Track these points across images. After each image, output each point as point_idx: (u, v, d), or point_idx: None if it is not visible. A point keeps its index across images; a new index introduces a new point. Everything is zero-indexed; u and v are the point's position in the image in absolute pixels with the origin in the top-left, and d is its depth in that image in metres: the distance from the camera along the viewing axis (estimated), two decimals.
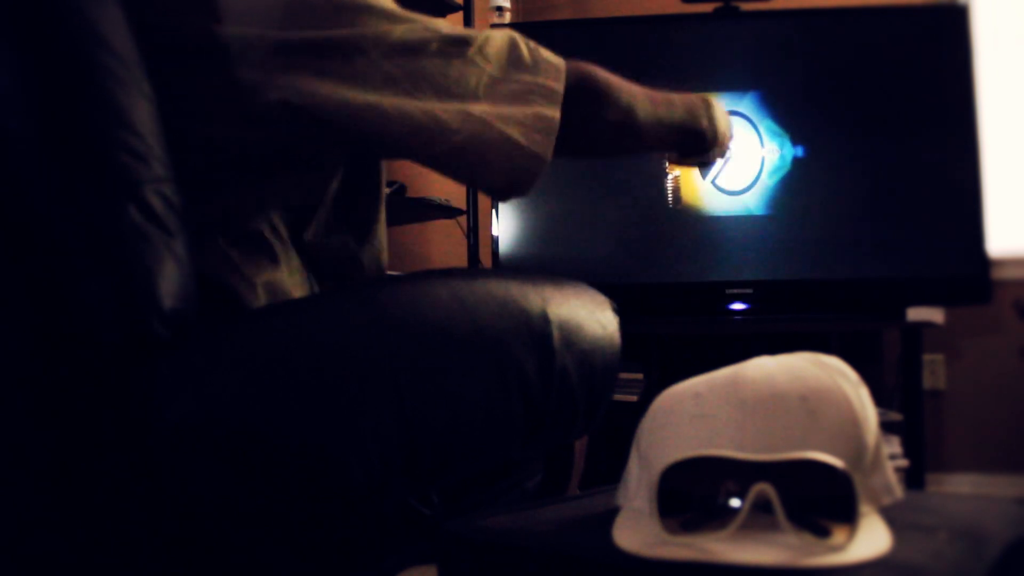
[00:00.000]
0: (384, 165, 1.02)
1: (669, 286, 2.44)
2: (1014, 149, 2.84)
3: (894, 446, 2.37)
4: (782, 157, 2.43)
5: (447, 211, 2.57)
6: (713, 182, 2.44)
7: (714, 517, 0.58)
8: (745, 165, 2.43)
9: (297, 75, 0.80)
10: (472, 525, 0.70)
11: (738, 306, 2.39)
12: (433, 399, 0.75)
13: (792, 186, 2.42)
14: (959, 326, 2.79)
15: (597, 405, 0.89)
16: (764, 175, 2.43)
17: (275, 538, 0.73)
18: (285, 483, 0.70)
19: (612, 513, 0.68)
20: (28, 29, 0.68)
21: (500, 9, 2.78)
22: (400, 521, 0.89)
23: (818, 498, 0.56)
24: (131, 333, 0.69)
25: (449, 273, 0.83)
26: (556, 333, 0.82)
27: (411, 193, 2.50)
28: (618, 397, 2.43)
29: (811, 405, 0.62)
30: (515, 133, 0.87)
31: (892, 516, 0.63)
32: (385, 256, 1.03)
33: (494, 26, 2.66)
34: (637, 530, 0.61)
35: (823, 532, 0.56)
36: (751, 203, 2.43)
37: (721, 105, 1.16)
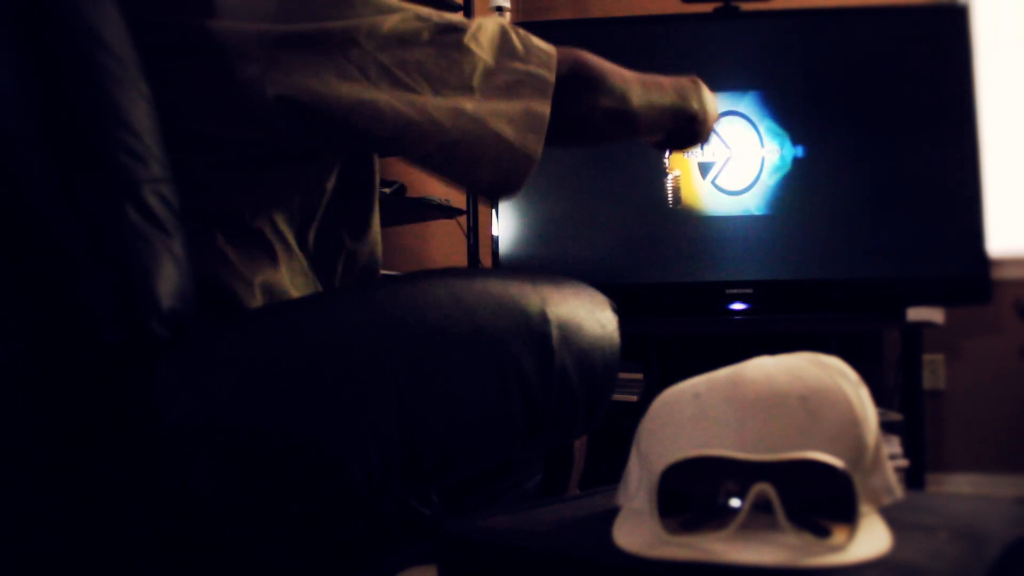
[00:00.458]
0: (378, 162, 1.02)
1: (669, 286, 2.44)
2: (1014, 149, 2.84)
3: (894, 446, 2.37)
4: (782, 157, 2.43)
5: (447, 211, 2.57)
6: (713, 182, 2.44)
7: (714, 517, 0.58)
8: (745, 165, 2.43)
9: (293, 70, 0.80)
10: (472, 525, 0.70)
11: (738, 306, 2.39)
12: (433, 399, 0.75)
13: (792, 186, 2.42)
14: (959, 326, 2.79)
15: (597, 405, 0.89)
16: (764, 175, 2.43)
17: (275, 538, 0.73)
18: (285, 483, 0.70)
19: (612, 513, 0.68)
20: (27, 29, 0.68)
21: (500, 9, 2.78)
22: (400, 521, 0.89)
23: (818, 498, 0.56)
24: (130, 333, 0.69)
25: (448, 272, 0.83)
26: (556, 333, 0.82)
27: (411, 193, 2.50)
28: (618, 397, 2.43)
29: (811, 405, 0.62)
30: (507, 131, 0.87)
31: (892, 516, 0.63)
32: (379, 251, 1.03)
33: None
34: (637, 530, 0.61)
35: (823, 532, 0.56)
36: (751, 203, 2.43)
37: (705, 86, 1.14)
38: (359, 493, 0.73)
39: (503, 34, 0.91)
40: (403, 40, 0.85)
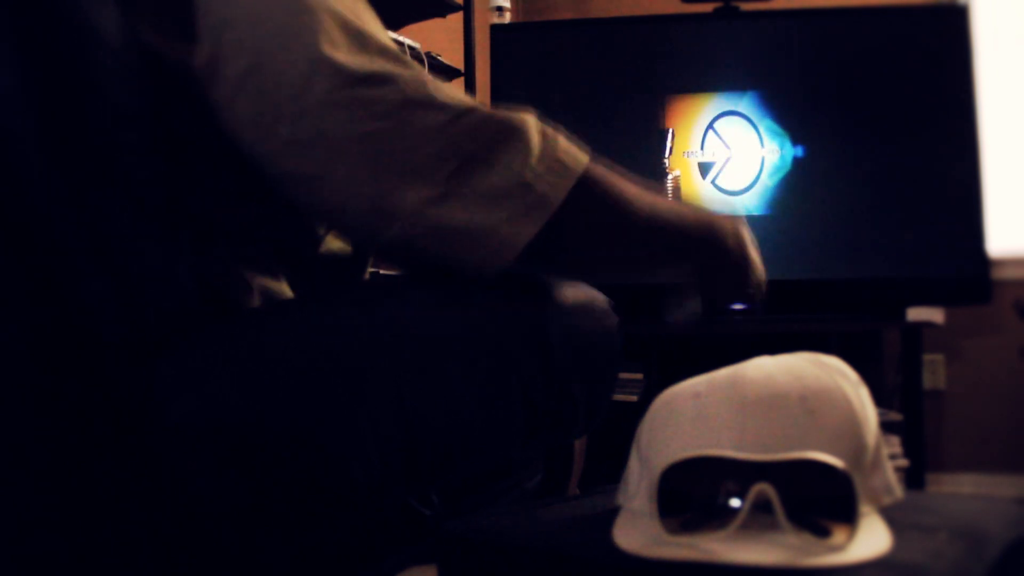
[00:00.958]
0: None
1: (669, 286, 2.43)
2: (1014, 149, 2.84)
3: (894, 446, 2.37)
4: (782, 157, 2.43)
5: None
6: (713, 182, 2.44)
7: (714, 517, 0.58)
8: (745, 165, 2.43)
9: None
10: (472, 525, 0.70)
11: (738, 306, 2.39)
12: (433, 399, 0.75)
13: (792, 186, 2.42)
14: (959, 326, 2.79)
15: (597, 405, 0.88)
16: (764, 175, 2.43)
17: (275, 538, 0.73)
18: (285, 483, 0.70)
19: (612, 513, 0.68)
20: (28, 29, 0.68)
21: (500, 9, 2.78)
22: (400, 521, 0.89)
23: (818, 498, 0.56)
24: (131, 333, 0.69)
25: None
26: (556, 333, 0.82)
27: None
28: (618, 397, 2.43)
29: (811, 405, 0.62)
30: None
31: (892, 516, 0.63)
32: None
33: (494, 26, 2.65)
34: (637, 530, 0.61)
35: (823, 532, 0.56)
36: (751, 203, 2.43)
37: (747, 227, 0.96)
38: (359, 493, 0.73)
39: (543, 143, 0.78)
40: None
